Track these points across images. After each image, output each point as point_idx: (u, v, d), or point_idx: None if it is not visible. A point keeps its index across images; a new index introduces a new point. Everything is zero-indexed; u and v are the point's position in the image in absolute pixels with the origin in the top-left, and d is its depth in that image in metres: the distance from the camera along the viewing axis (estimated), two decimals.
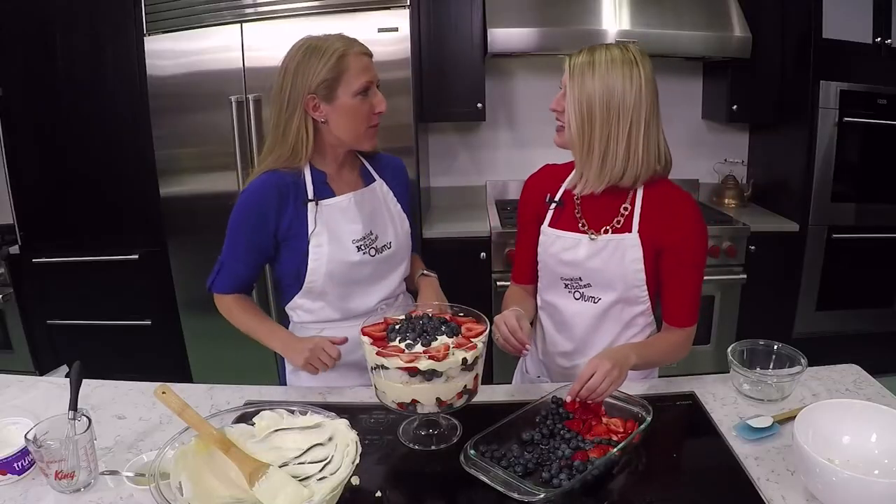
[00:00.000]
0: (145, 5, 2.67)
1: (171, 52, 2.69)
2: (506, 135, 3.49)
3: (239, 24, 2.64)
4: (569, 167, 1.52)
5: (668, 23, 2.88)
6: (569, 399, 1.27)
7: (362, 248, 1.48)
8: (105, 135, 2.92)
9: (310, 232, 1.44)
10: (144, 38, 2.69)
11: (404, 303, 1.61)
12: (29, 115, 2.93)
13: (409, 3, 2.62)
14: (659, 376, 1.55)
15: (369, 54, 1.44)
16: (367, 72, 1.41)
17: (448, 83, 3.01)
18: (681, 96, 3.44)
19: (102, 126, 2.91)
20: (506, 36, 2.88)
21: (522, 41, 2.89)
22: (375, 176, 1.57)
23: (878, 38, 2.92)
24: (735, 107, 3.16)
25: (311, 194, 1.44)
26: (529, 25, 2.88)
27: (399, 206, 1.59)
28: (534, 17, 2.91)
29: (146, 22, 2.68)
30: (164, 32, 2.68)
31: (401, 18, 2.61)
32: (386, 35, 2.61)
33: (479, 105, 3.04)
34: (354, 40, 1.43)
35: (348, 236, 1.47)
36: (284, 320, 1.62)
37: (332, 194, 1.48)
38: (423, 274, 1.63)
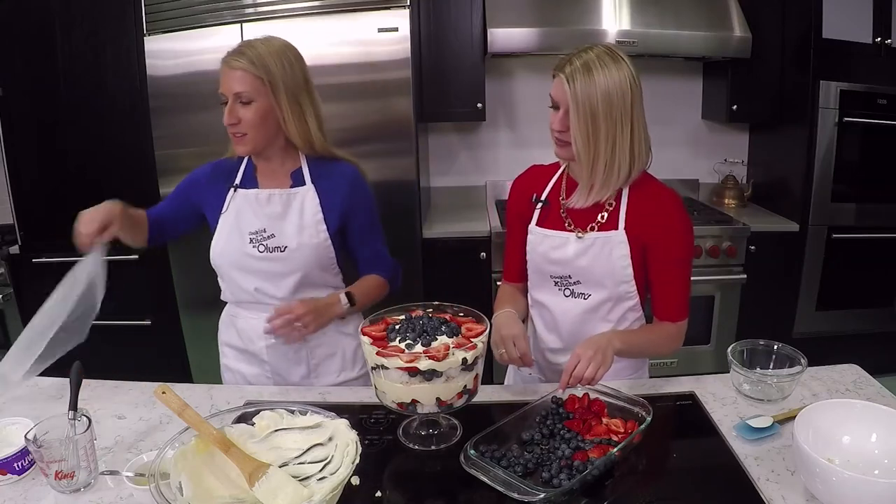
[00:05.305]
0: (145, 5, 2.66)
1: (171, 52, 2.68)
2: (506, 135, 3.49)
3: (239, 24, 2.64)
4: (555, 167, 1.55)
5: (668, 23, 2.88)
6: (559, 392, 1.29)
7: (254, 241, 1.56)
8: (105, 135, 2.92)
9: (222, 212, 1.58)
10: (144, 38, 2.69)
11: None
12: (29, 116, 2.92)
13: (409, 3, 2.61)
14: (659, 376, 1.55)
15: (239, 68, 1.44)
16: (222, 83, 1.47)
17: (448, 83, 3.01)
18: (681, 96, 3.44)
19: (102, 126, 2.91)
20: (506, 36, 2.88)
21: (522, 41, 2.89)
22: (307, 181, 1.57)
23: (878, 38, 2.92)
24: (735, 107, 3.16)
25: (237, 181, 1.59)
26: (529, 25, 2.88)
27: (321, 215, 1.56)
28: (534, 17, 2.91)
29: (146, 22, 2.68)
30: (163, 32, 2.68)
31: (401, 18, 2.61)
32: (386, 35, 2.60)
33: (479, 105, 3.04)
34: (240, 51, 1.46)
35: (246, 226, 1.56)
36: None
37: (255, 186, 1.59)
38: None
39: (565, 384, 1.28)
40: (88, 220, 1.44)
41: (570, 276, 1.47)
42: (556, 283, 1.50)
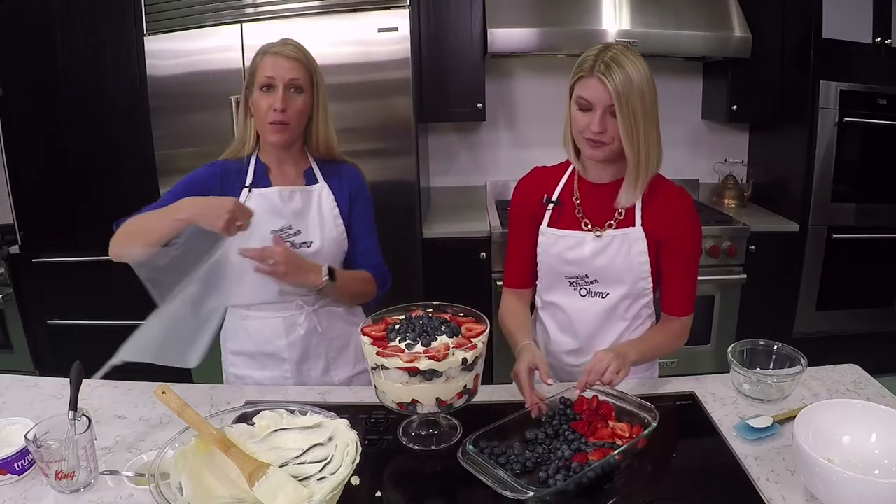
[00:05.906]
0: (145, 5, 2.67)
1: (171, 52, 2.68)
2: (506, 135, 3.49)
3: (239, 24, 2.64)
4: (560, 168, 1.54)
5: (668, 23, 2.88)
6: (576, 393, 1.28)
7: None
8: (105, 135, 2.92)
9: None
10: (144, 38, 2.69)
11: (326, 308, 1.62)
12: (29, 116, 2.92)
13: (409, 3, 2.61)
14: (659, 376, 1.55)
15: (294, 58, 1.48)
16: (274, 69, 1.47)
17: (448, 83, 3.01)
18: (681, 96, 3.44)
19: (102, 126, 2.91)
20: (506, 36, 2.88)
21: (522, 41, 2.89)
22: (319, 179, 1.61)
23: (878, 38, 2.92)
24: (735, 107, 3.16)
25: (248, 181, 1.56)
26: (529, 25, 2.88)
27: (337, 210, 1.60)
28: (534, 17, 2.91)
29: (146, 22, 2.68)
30: (164, 32, 2.68)
31: (401, 18, 2.61)
32: (386, 35, 2.60)
33: (479, 105, 3.04)
34: (288, 45, 1.50)
35: (268, 225, 1.53)
36: None
37: (268, 185, 1.57)
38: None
39: (583, 385, 1.27)
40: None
41: (586, 276, 1.47)
42: (571, 284, 1.50)
